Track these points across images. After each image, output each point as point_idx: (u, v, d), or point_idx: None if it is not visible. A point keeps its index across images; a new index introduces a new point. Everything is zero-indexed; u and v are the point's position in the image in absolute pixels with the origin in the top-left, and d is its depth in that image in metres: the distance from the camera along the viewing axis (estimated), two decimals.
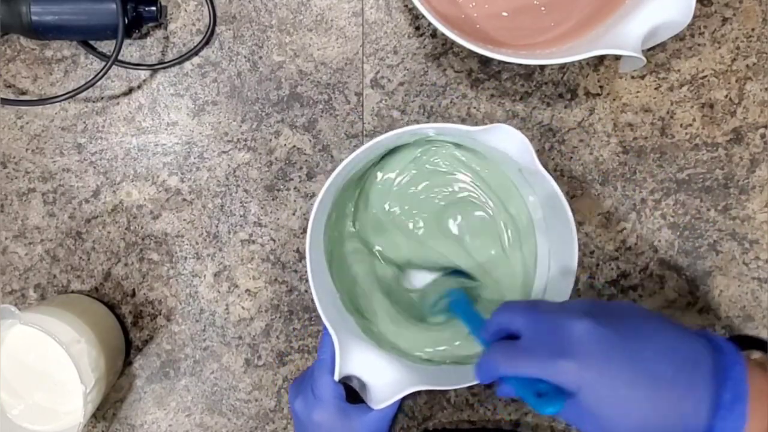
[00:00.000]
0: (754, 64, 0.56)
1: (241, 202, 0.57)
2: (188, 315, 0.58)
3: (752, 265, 0.57)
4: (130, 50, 0.57)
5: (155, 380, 0.59)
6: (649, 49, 0.54)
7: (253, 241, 0.58)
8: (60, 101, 0.55)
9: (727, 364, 0.37)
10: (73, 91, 0.54)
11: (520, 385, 0.39)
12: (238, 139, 0.57)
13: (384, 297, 0.54)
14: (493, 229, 0.54)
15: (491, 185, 0.54)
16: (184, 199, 0.58)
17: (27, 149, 0.57)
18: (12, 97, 0.57)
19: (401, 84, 0.57)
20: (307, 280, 0.49)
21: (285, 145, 0.57)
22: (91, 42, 0.56)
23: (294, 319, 0.58)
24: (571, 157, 0.57)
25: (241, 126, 0.57)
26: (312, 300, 0.49)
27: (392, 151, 0.54)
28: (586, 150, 0.57)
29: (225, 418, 0.59)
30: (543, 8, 0.53)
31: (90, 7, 0.52)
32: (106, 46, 0.57)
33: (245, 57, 0.57)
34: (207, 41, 0.56)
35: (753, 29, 0.56)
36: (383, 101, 0.57)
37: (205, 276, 0.58)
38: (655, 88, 0.56)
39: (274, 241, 0.58)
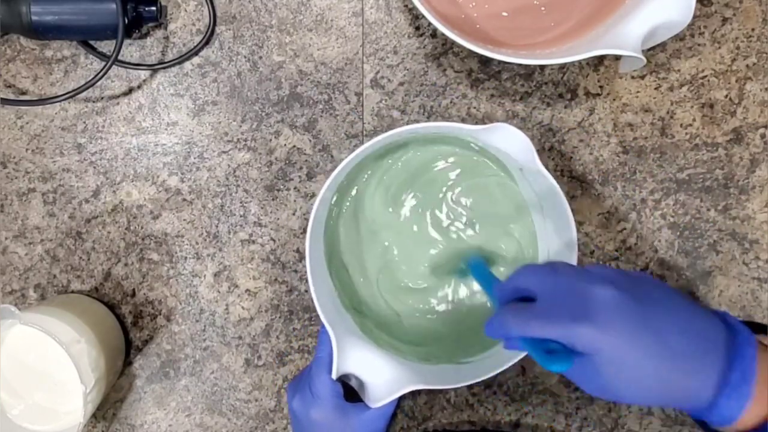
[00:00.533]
0: (754, 64, 0.56)
1: (241, 202, 0.57)
2: (188, 315, 0.58)
3: (752, 265, 0.57)
4: (130, 50, 0.57)
5: (155, 380, 0.59)
6: (649, 49, 0.54)
7: (253, 241, 0.58)
8: (60, 101, 0.55)
9: (739, 345, 0.37)
10: (73, 91, 0.54)
11: (530, 342, 0.39)
12: (238, 139, 0.57)
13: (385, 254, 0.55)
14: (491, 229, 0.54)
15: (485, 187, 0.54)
16: (184, 199, 0.58)
17: (27, 149, 0.57)
18: (12, 97, 0.57)
19: (401, 84, 0.57)
20: (307, 280, 0.49)
21: (285, 145, 0.57)
22: (91, 42, 0.56)
23: (294, 319, 0.58)
24: (571, 157, 0.57)
25: (241, 126, 0.57)
26: (312, 300, 0.49)
27: (392, 151, 0.54)
28: (586, 150, 0.57)
29: (225, 418, 0.59)
30: (543, 8, 0.53)
31: (90, 7, 0.52)
32: (106, 46, 0.57)
33: (245, 57, 0.57)
34: (207, 41, 0.56)
35: (753, 29, 0.56)
36: (383, 101, 0.57)
37: (205, 276, 0.58)
38: (655, 88, 0.56)
39: (274, 241, 0.58)
